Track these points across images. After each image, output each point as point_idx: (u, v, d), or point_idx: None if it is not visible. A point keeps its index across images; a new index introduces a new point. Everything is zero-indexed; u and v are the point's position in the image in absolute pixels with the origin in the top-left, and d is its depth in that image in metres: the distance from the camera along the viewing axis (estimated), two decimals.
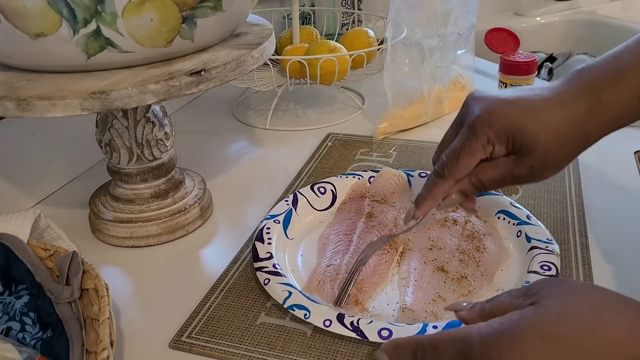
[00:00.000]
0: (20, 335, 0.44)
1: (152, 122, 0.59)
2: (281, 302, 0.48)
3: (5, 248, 0.46)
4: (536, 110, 0.43)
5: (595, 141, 0.45)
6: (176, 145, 0.63)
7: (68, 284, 0.44)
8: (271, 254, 0.54)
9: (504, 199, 0.60)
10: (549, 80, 1.19)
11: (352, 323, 0.45)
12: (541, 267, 0.50)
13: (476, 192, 0.49)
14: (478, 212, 0.57)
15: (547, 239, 0.54)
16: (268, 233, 0.57)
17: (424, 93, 0.85)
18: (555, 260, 0.51)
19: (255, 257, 0.54)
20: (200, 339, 0.47)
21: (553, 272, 0.49)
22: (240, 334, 0.47)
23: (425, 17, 0.85)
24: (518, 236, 0.56)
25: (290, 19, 0.98)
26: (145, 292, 0.54)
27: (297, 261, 0.56)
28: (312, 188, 0.64)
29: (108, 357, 0.38)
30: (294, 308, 0.47)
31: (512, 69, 0.77)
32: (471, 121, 0.45)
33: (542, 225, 0.56)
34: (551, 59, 1.32)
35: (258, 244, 0.55)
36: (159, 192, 0.61)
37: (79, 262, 0.45)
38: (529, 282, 0.48)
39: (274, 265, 0.52)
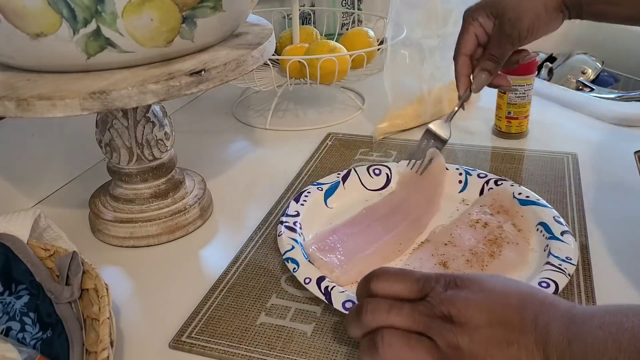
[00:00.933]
0: (20, 335, 0.44)
1: (152, 122, 0.59)
2: (282, 253, 0.53)
3: (5, 248, 0.46)
4: None
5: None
6: (176, 145, 0.63)
7: (68, 284, 0.44)
8: (298, 212, 0.59)
9: (549, 212, 0.58)
10: (549, 80, 1.19)
11: (326, 288, 0.48)
12: (539, 283, 0.48)
13: (495, 66, 0.61)
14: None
15: (566, 258, 0.51)
16: (306, 196, 0.62)
17: (424, 93, 0.85)
18: (559, 278, 0.48)
19: (285, 212, 0.59)
20: (200, 339, 0.47)
21: (551, 289, 0.47)
22: (240, 334, 0.47)
23: (425, 17, 0.85)
24: (544, 251, 0.54)
25: (290, 19, 0.98)
26: (145, 292, 0.54)
27: (324, 228, 0.59)
28: (367, 169, 0.67)
29: (108, 357, 0.38)
30: (288, 260, 0.52)
31: (515, 69, 0.77)
32: (463, 15, 0.62)
33: (572, 243, 0.53)
34: (551, 59, 1.32)
35: (292, 203, 0.61)
36: (159, 192, 0.61)
37: (79, 262, 0.45)
38: None
39: (294, 223, 0.57)
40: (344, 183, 0.65)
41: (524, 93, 0.77)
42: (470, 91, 0.64)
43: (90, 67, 0.47)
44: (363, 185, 0.66)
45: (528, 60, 0.64)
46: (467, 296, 0.37)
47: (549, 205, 0.59)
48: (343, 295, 0.47)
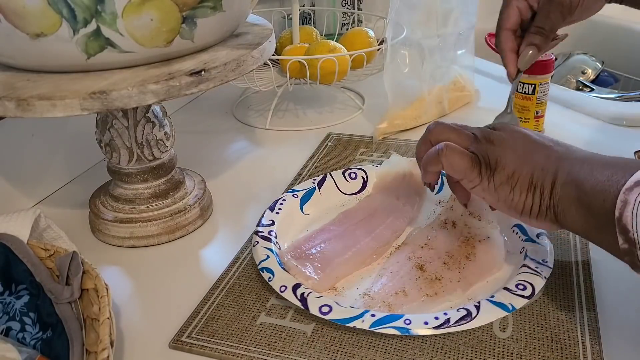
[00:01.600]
0: (20, 335, 0.44)
1: (152, 122, 0.59)
2: (257, 263, 0.52)
3: (5, 248, 0.46)
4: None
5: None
6: (176, 145, 0.63)
7: (68, 284, 0.44)
8: (273, 221, 0.58)
9: None
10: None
11: (302, 294, 0.48)
12: (516, 285, 0.48)
13: (544, 41, 0.59)
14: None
15: (542, 260, 0.51)
16: (282, 204, 0.61)
17: (424, 93, 0.85)
18: (537, 281, 0.48)
19: (259, 222, 0.58)
20: (200, 339, 0.47)
21: (527, 292, 0.47)
22: (240, 334, 0.47)
23: (425, 18, 0.85)
24: (520, 253, 0.54)
25: (290, 19, 0.98)
26: (145, 292, 0.54)
27: (300, 235, 0.58)
28: (343, 173, 0.66)
29: (108, 357, 0.38)
30: (264, 270, 0.51)
31: (530, 68, 0.76)
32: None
33: (548, 246, 0.53)
34: None
35: (267, 212, 0.59)
36: (159, 192, 0.61)
37: (79, 262, 0.45)
38: (494, 296, 0.47)
39: (269, 232, 0.56)
40: (319, 189, 0.64)
41: (545, 92, 0.77)
42: (519, 71, 0.60)
43: (90, 67, 0.47)
44: (339, 189, 0.65)
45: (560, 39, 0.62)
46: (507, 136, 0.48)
47: None
48: (319, 300, 0.47)
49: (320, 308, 0.46)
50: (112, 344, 0.40)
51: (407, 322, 0.45)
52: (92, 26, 0.44)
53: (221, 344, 0.46)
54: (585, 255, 0.55)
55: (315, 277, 0.51)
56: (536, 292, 0.47)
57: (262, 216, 0.59)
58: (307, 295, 0.48)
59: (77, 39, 0.44)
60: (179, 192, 0.63)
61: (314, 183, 0.64)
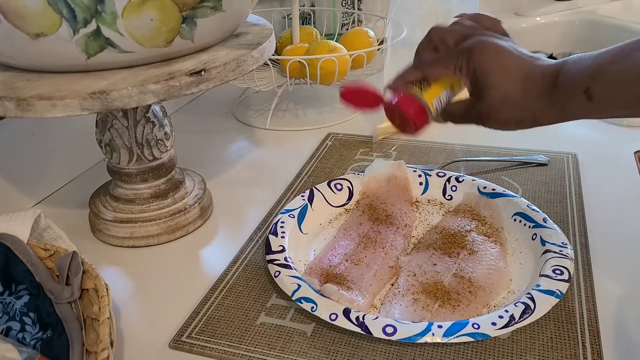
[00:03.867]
0: (20, 335, 0.44)
1: (152, 122, 0.59)
2: (290, 294, 0.48)
3: (5, 248, 0.46)
4: (508, 71, 0.48)
5: (543, 121, 0.48)
6: (176, 145, 0.63)
7: (68, 284, 0.44)
8: (283, 247, 0.54)
9: (521, 201, 0.59)
10: None
11: (357, 318, 0.45)
12: (553, 271, 0.49)
13: (442, 121, 0.52)
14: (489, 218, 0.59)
15: (562, 243, 0.52)
16: (282, 227, 0.57)
17: None
18: (569, 264, 0.50)
19: (268, 250, 0.54)
20: (200, 339, 0.47)
21: (565, 276, 0.48)
22: (240, 334, 0.47)
23: (425, 18, 0.85)
24: (533, 239, 0.55)
25: (290, 19, 0.98)
26: (145, 292, 0.54)
27: (309, 256, 0.56)
28: (328, 184, 0.64)
29: (108, 357, 0.38)
30: (302, 301, 0.48)
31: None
32: (463, 48, 0.49)
33: (558, 229, 0.55)
34: (551, 59, 1.32)
35: (271, 237, 0.56)
36: (159, 192, 0.61)
37: (79, 262, 0.45)
38: (539, 285, 0.48)
39: (285, 259, 0.52)
40: (311, 205, 0.62)
41: None
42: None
43: (90, 67, 0.47)
44: (328, 203, 0.63)
45: None
46: None
47: (517, 196, 0.61)
48: (379, 321, 0.45)
49: (384, 329, 0.44)
50: (112, 344, 0.40)
51: (476, 326, 0.44)
52: (92, 26, 0.44)
53: (221, 344, 0.46)
54: (585, 255, 0.55)
55: (360, 298, 0.49)
56: (571, 275, 0.49)
57: (268, 242, 0.55)
58: (363, 318, 0.45)
59: (77, 39, 0.44)
60: (179, 192, 0.63)
61: (304, 200, 0.62)
